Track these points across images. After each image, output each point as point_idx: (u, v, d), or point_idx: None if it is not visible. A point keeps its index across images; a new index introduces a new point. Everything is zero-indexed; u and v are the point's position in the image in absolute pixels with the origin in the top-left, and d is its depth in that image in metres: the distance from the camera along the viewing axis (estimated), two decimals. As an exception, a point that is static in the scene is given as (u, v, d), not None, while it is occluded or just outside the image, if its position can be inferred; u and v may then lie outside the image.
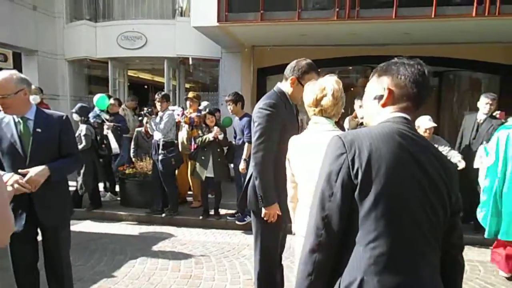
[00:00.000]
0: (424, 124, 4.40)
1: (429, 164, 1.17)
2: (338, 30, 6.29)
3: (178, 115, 5.77)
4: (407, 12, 5.55)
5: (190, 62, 9.07)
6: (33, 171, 2.16)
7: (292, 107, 2.58)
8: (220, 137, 5.19)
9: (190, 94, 5.92)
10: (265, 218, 2.41)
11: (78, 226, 5.09)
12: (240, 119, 5.17)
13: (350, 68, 8.79)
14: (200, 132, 5.37)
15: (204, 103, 6.82)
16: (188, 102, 5.81)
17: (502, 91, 7.80)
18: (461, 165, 4.34)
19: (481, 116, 4.81)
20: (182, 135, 5.87)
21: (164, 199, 5.52)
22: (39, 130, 2.31)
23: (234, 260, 4.12)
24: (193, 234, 5.00)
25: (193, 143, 5.60)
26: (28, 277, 2.43)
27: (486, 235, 3.74)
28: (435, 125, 4.57)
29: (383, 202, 1.11)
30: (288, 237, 2.65)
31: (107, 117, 6.11)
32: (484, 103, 4.75)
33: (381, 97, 1.28)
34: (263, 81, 8.70)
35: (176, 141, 5.65)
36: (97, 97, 6.09)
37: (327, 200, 1.16)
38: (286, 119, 2.48)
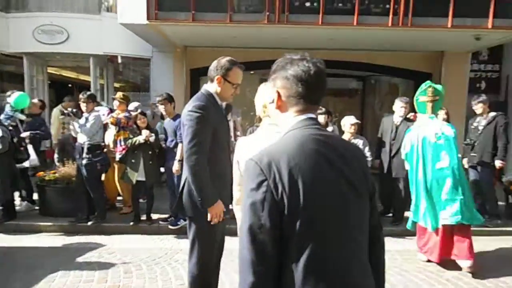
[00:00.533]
0: (349, 120, 4.76)
1: (344, 162, 1.18)
2: (269, 33, 6.45)
3: (104, 114, 5.44)
4: (332, 19, 5.89)
5: (119, 60, 8.63)
6: None
7: (221, 108, 2.59)
8: (152, 139, 5.01)
9: (117, 94, 5.63)
10: (212, 220, 2.40)
11: (-13, 241, 4.56)
12: (173, 120, 5.06)
13: (282, 71, 9.08)
14: (129, 134, 5.13)
15: (134, 104, 6.52)
16: (115, 102, 5.51)
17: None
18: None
19: (397, 118, 5.29)
20: (108, 137, 5.55)
21: (90, 206, 5.16)
22: None
23: (166, 266, 4.00)
24: (122, 242, 4.75)
25: (118, 145, 5.32)
26: None
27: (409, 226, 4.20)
28: (359, 121, 4.97)
29: (313, 216, 1.10)
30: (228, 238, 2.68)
31: (23, 117, 5.52)
32: (399, 106, 5.24)
33: (273, 100, 1.25)
34: (196, 82, 8.59)
35: (103, 144, 5.31)
36: (16, 95, 5.37)
37: (258, 233, 1.09)
38: (216, 120, 2.49)
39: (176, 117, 5.02)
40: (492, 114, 5.38)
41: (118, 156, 5.37)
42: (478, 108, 5.42)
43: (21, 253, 4.24)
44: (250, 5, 6.35)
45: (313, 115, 1.23)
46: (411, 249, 4.44)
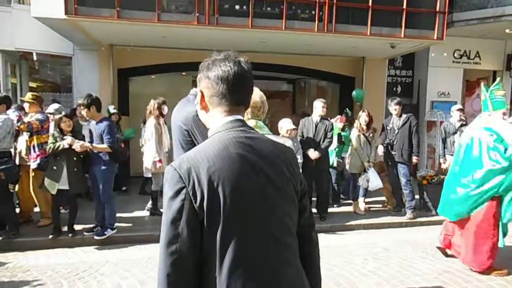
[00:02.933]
0: (286, 126, 4.86)
1: (269, 165, 1.16)
2: (199, 34, 6.37)
3: (14, 119, 4.90)
4: (261, 22, 6.01)
5: (34, 57, 7.86)
6: None
7: None
8: (76, 146, 4.55)
9: (27, 95, 5.11)
10: None
11: None
12: (98, 123, 4.70)
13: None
14: (45, 138, 4.68)
15: (54, 105, 6.00)
16: (25, 105, 5.01)
17: (341, 97, 9.21)
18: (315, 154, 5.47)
19: (316, 117, 5.64)
20: (20, 143, 5.00)
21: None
22: None
23: (91, 280, 3.71)
24: (40, 257, 4.31)
25: (32, 152, 4.86)
26: None
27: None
28: (295, 127, 5.11)
29: (234, 222, 1.08)
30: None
31: None
32: (320, 106, 5.64)
33: (198, 101, 1.23)
34: (124, 83, 8.17)
35: (12, 151, 4.78)
36: None
37: (173, 243, 1.06)
38: None
39: (102, 120, 4.69)
40: (405, 115, 5.92)
41: (33, 164, 4.88)
42: (394, 109, 5.92)
43: None
44: (180, 5, 6.23)
45: (240, 117, 1.21)
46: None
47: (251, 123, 2.13)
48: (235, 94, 1.19)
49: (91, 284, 3.62)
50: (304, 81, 10.62)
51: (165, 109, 5.57)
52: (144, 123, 5.96)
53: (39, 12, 5.56)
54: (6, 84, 7.81)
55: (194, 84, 9.83)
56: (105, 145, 4.55)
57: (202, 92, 1.22)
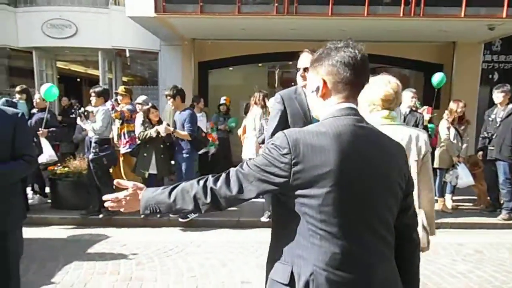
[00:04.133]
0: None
1: (379, 157, 1.16)
2: (277, 25, 6.39)
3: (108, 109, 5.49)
4: (342, 9, 5.81)
5: (127, 54, 8.63)
6: None
7: None
8: (162, 131, 4.92)
9: (120, 89, 5.74)
10: None
11: (1, 233, 4.61)
12: (181, 112, 5.04)
13: (291, 63, 9.03)
14: (133, 126, 5.19)
15: (142, 97, 6.53)
16: (118, 97, 5.62)
17: (425, 87, 8.53)
18: None
19: (405, 109, 5.22)
20: (112, 131, 5.59)
21: (101, 199, 5.17)
22: None
23: (177, 258, 4.01)
24: (134, 235, 4.78)
25: (122, 138, 5.40)
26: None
27: None
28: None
29: (332, 204, 1.09)
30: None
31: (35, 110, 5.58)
32: (409, 97, 5.14)
33: (317, 88, 1.23)
34: (204, 75, 8.58)
35: (111, 138, 5.35)
36: (45, 87, 5.37)
37: (247, 181, 1.16)
38: None
39: (185, 109, 5.02)
40: (511, 106, 5.24)
41: (123, 149, 5.42)
42: (499, 97, 5.25)
43: (34, 246, 4.28)
44: (260, -4, 6.30)
45: (354, 105, 1.22)
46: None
47: (383, 113, 2.03)
48: (360, 79, 1.20)
49: (178, 262, 3.91)
50: (385, 69, 10.06)
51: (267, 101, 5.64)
52: (246, 113, 6.10)
53: (132, 12, 6.09)
54: (104, 79, 8.73)
55: (270, 74, 9.98)
56: (185, 132, 4.85)
57: (324, 80, 1.22)
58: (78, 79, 13.20)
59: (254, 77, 8.60)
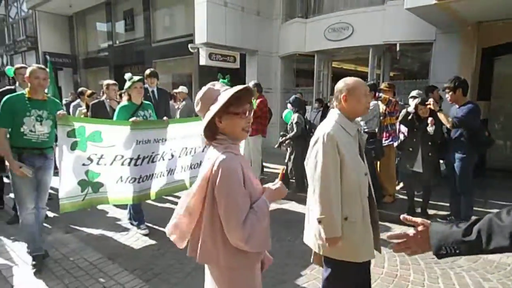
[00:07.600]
0: None
1: None
2: None
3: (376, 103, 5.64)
4: None
5: (397, 48, 8.48)
6: None
7: None
8: (430, 130, 4.61)
9: (383, 85, 5.87)
10: None
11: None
12: (460, 107, 4.47)
13: None
14: (394, 119, 5.20)
15: (414, 92, 6.25)
16: (381, 94, 5.69)
17: None
18: None
19: None
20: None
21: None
22: None
23: (447, 268, 3.63)
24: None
25: (384, 132, 5.50)
26: None
27: None
28: None
29: None
30: None
31: None
32: None
33: None
34: (488, 64, 7.23)
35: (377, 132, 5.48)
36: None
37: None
38: None
39: (466, 104, 4.42)
40: None
41: (385, 142, 5.46)
42: None
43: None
44: None
45: None
46: None
47: None
48: None
49: (448, 272, 3.53)
50: None
51: None
52: None
53: (412, 2, 5.88)
54: (372, 74, 8.98)
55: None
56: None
57: None
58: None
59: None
